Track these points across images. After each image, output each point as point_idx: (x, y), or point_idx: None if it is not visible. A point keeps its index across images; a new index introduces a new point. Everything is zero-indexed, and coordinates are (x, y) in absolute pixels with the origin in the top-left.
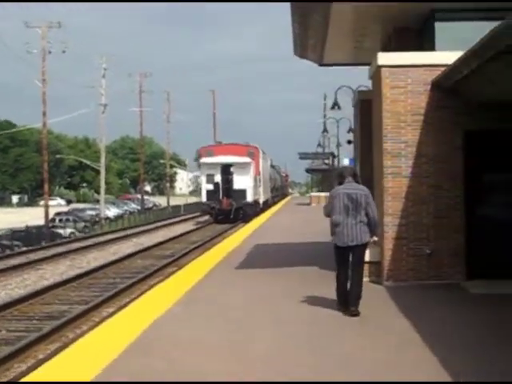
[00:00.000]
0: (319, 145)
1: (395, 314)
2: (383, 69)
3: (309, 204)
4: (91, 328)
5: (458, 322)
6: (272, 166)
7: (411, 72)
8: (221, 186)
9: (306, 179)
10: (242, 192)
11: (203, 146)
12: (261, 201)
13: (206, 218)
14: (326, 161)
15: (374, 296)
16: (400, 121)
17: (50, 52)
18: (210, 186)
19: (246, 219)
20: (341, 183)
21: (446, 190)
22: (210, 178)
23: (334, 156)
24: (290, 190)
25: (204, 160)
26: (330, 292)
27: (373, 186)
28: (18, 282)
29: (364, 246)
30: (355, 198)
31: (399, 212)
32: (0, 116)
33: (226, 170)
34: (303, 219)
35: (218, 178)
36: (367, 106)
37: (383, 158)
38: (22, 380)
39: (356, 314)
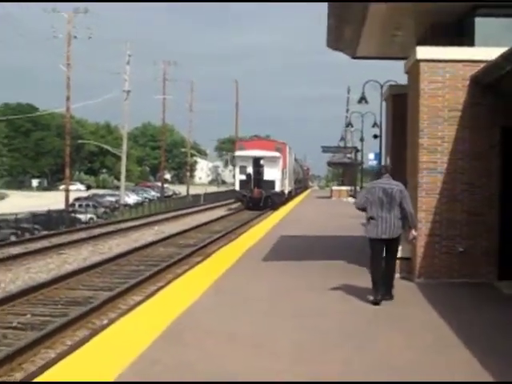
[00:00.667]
0: (342, 139)
1: (429, 312)
2: (421, 63)
3: (329, 197)
4: (121, 315)
5: (492, 322)
6: (295, 160)
7: (450, 67)
8: (252, 177)
9: (326, 173)
10: (271, 183)
11: (237, 140)
12: (286, 191)
13: (228, 207)
14: (349, 155)
15: (406, 293)
16: (437, 116)
17: (75, 37)
18: (243, 177)
19: (274, 207)
20: (378, 178)
21: (481, 187)
22: (242, 170)
23: (357, 150)
24: (310, 183)
25: (238, 153)
26: (359, 286)
27: (404, 180)
28: (41, 266)
29: (397, 240)
30: (390, 193)
31: (433, 208)
32: (23, 99)
33: (257, 162)
34: (325, 213)
35: (249, 170)
36: (400, 101)
37: (419, 154)
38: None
39: (387, 299)
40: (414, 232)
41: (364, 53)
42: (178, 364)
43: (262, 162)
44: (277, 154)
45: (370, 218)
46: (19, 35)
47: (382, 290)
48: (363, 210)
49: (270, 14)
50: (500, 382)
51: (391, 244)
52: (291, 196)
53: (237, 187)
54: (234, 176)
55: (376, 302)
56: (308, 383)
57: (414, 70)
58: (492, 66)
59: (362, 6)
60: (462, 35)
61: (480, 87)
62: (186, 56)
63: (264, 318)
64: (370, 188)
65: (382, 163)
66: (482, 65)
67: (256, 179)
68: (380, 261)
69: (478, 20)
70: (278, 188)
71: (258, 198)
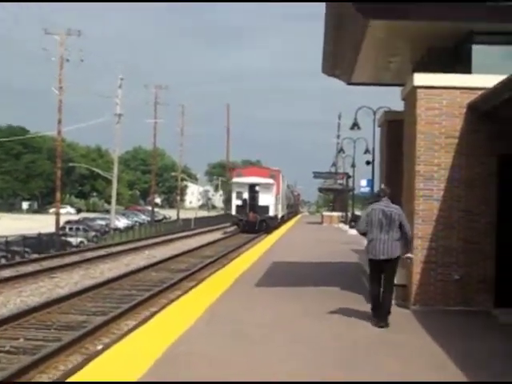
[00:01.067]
0: (333, 164)
1: (424, 339)
2: (419, 90)
3: (320, 223)
4: (115, 341)
5: (487, 351)
6: (287, 186)
7: (447, 94)
8: (248, 202)
9: (316, 198)
10: (266, 208)
11: (234, 168)
12: (279, 216)
13: (219, 232)
14: (340, 181)
15: (401, 320)
16: (434, 143)
17: (67, 60)
18: (239, 202)
19: (268, 230)
20: (377, 201)
21: (478, 215)
22: (239, 195)
23: (348, 176)
24: (300, 209)
25: (235, 180)
26: (354, 312)
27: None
28: (33, 290)
29: (396, 260)
30: (389, 215)
31: (429, 235)
32: (14, 122)
33: (253, 188)
34: (317, 239)
35: (245, 195)
36: (395, 127)
37: (415, 180)
38: None
39: (383, 326)
40: (409, 254)
41: (359, 79)
42: None
43: (257, 188)
44: (271, 180)
45: (371, 240)
46: (12, 55)
47: (381, 316)
48: (365, 234)
49: (260, 36)
50: (500, 382)
51: (389, 264)
52: (283, 220)
53: (233, 212)
54: (226, 201)
55: (381, 326)
56: (308, 383)
57: (410, 97)
58: (490, 93)
59: (358, 31)
60: (459, 61)
61: (477, 114)
62: (177, 77)
63: (263, 346)
64: (369, 211)
65: (375, 190)
66: (480, 92)
67: (251, 204)
68: (379, 282)
69: (474, 47)
70: (271, 212)
71: (253, 221)
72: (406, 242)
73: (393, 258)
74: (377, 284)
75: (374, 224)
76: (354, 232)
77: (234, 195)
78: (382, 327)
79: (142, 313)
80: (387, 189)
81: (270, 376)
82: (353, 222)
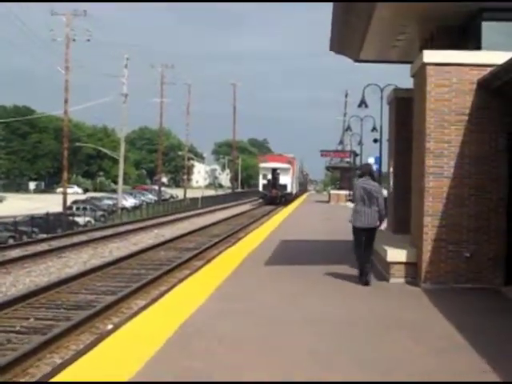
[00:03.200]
0: (341, 142)
1: (437, 318)
2: (428, 66)
3: (328, 202)
4: (125, 320)
5: (499, 327)
6: (299, 169)
7: (456, 71)
8: (271, 182)
9: (322, 177)
10: (284, 186)
11: (261, 155)
12: (294, 192)
13: (227, 211)
14: (347, 159)
15: (412, 298)
16: (444, 120)
17: (74, 40)
18: (265, 181)
19: (286, 203)
20: (360, 177)
21: (488, 192)
22: (264, 176)
23: (355, 154)
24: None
25: (261, 165)
26: (366, 291)
27: (406, 184)
28: (42, 269)
29: (374, 229)
30: (369, 191)
31: (439, 213)
32: (20, 102)
33: (275, 171)
34: (326, 218)
35: (269, 177)
36: (404, 104)
37: (425, 158)
38: (52, 380)
39: (367, 283)
40: (381, 226)
41: (367, 56)
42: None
43: (278, 171)
44: (288, 165)
45: (355, 211)
46: (18, 35)
47: (364, 274)
48: None
49: (270, 16)
50: (500, 382)
51: (369, 233)
52: (296, 195)
53: (260, 188)
54: (233, 180)
55: (366, 283)
56: (308, 383)
57: (420, 74)
58: (501, 70)
59: (367, 10)
60: (468, 39)
61: (487, 91)
62: (185, 58)
63: (276, 325)
64: (355, 187)
65: (383, 168)
66: (490, 69)
67: (273, 183)
68: (361, 246)
69: (484, 24)
70: (288, 190)
71: (275, 196)
72: (380, 215)
73: (372, 228)
74: (360, 247)
75: (357, 198)
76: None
77: (260, 176)
78: (366, 285)
79: (151, 292)
80: (367, 167)
81: (285, 357)
82: (350, 201)
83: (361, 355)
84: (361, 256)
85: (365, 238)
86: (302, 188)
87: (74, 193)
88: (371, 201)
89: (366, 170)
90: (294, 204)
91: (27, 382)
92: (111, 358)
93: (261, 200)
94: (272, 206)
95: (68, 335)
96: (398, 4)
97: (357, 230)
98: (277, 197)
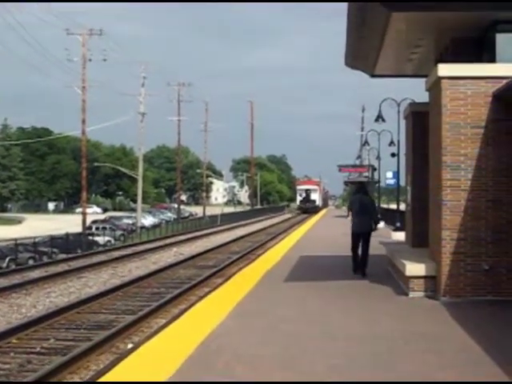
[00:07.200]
0: (358, 157)
1: (457, 331)
2: (443, 80)
3: (346, 217)
4: (145, 339)
5: None
6: (323, 188)
7: (471, 83)
8: (305, 198)
9: (342, 192)
10: (314, 201)
11: (297, 179)
12: (320, 205)
13: (245, 228)
14: (365, 174)
15: (432, 312)
16: (460, 133)
17: (90, 60)
18: (301, 198)
19: (315, 212)
20: (356, 193)
21: (506, 204)
22: (300, 194)
23: (374, 169)
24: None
25: (298, 187)
26: (384, 305)
27: (424, 197)
28: (62, 290)
29: (368, 233)
30: (365, 204)
31: (457, 226)
32: (38, 123)
33: (307, 191)
34: (343, 233)
35: (303, 194)
36: (420, 118)
37: (442, 171)
38: None
39: (364, 274)
40: (376, 228)
41: (382, 71)
42: None
43: (309, 191)
44: (316, 187)
45: (353, 220)
46: (33, 55)
47: (361, 268)
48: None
49: (284, 31)
50: (500, 382)
51: (365, 235)
52: (321, 208)
53: (298, 203)
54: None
55: (363, 275)
56: (308, 383)
57: (435, 87)
58: None
59: (381, 23)
60: (483, 51)
61: (503, 104)
62: (200, 74)
63: (295, 341)
64: (352, 202)
65: (401, 181)
66: (505, 81)
67: (306, 199)
68: (357, 247)
69: (499, 36)
70: (317, 203)
71: (307, 208)
72: (374, 221)
73: (366, 232)
74: (356, 249)
75: (355, 210)
76: (380, 225)
77: (298, 194)
78: (363, 275)
79: (171, 310)
80: (360, 185)
81: (306, 373)
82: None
83: (383, 369)
84: (356, 256)
85: (362, 240)
86: (324, 203)
87: (94, 212)
88: (366, 211)
89: (360, 188)
90: (318, 215)
91: (27, 382)
92: (132, 376)
93: (298, 211)
94: (305, 214)
95: (88, 355)
96: (412, 16)
97: (355, 235)
98: (309, 208)
